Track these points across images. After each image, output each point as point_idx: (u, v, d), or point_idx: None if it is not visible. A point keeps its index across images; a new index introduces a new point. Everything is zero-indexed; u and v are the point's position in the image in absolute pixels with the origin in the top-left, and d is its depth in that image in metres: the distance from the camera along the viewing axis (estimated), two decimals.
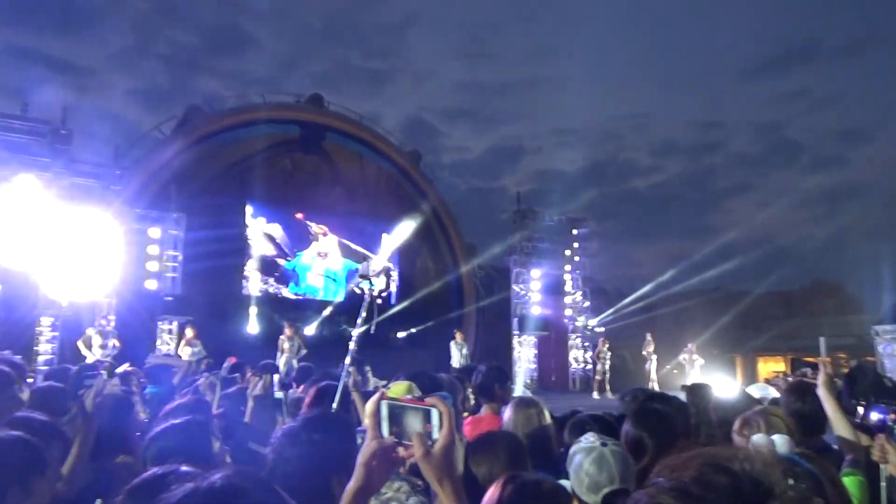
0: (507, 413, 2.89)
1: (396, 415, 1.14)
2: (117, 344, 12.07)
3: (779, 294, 25.64)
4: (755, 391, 4.06)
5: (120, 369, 5.07)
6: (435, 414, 1.11)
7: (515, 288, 18.91)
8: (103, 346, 11.62)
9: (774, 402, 3.45)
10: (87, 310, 13.08)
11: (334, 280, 17.87)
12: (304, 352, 12.03)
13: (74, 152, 13.70)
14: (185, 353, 11.53)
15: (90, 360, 10.58)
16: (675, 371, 16.93)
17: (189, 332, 11.93)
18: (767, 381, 11.12)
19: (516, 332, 18.60)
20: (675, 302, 21.37)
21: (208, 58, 61.42)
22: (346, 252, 17.95)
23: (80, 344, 11.40)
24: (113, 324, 13.20)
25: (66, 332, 12.73)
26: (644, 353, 16.32)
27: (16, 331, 12.24)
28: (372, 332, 4.39)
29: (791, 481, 0.64)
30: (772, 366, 21.23)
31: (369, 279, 4.40)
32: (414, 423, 1.12)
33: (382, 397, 1.16)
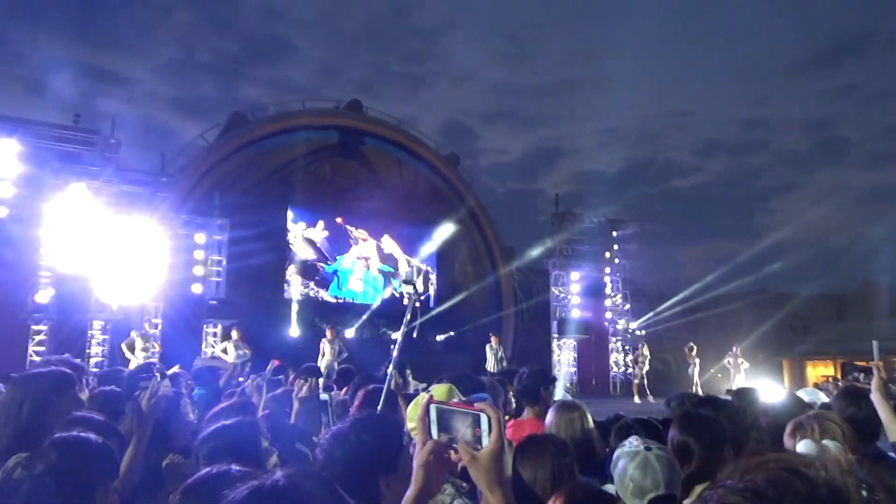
0: (550, 416, 2.87)
1: (445, 419, 1.14)
2: (157, 347, 12.37)
3: (828, 296, 24.91)
4: (805, 396, 3.94)
5: (170, 371, 5.19)
6: (484, 419, 1.11)
7: (554, 290, 18.79)
8: (145, 350, 11.88)
9: (825, 407, 3.34)
10: (136, 313, 13.44)
11: (373, 284, 18.01)
12: (344, 354, 12.13)
13: (123, 161, 14.18)
14: (231, 355, 11.74)
15: (133, 363, 10.86)
16: (719, 375, 16.56)
17: (234, 335, 12.12)
18: (817, 386, 10.80)
19: (555, 335, 18.47)
20: (719, 305, 20.95)
21: (250, 66, 62.76)
22: (385, 256, 18.09)
23: (123, 347, 11.70)
24: (160, 327, 13.54)
25: (116, 336, 13.09)
26: (687, 357, 15.98)
27: (71, 335, 12.65)
28: (414, 335, 4.39)
29: (865, 492, 0.64)
30: (821, 370, 20.68)
31: (413, 284, 4.37)
32: (463, 427, 1.12)
33: (431, 401, 1.16)
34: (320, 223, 17.45)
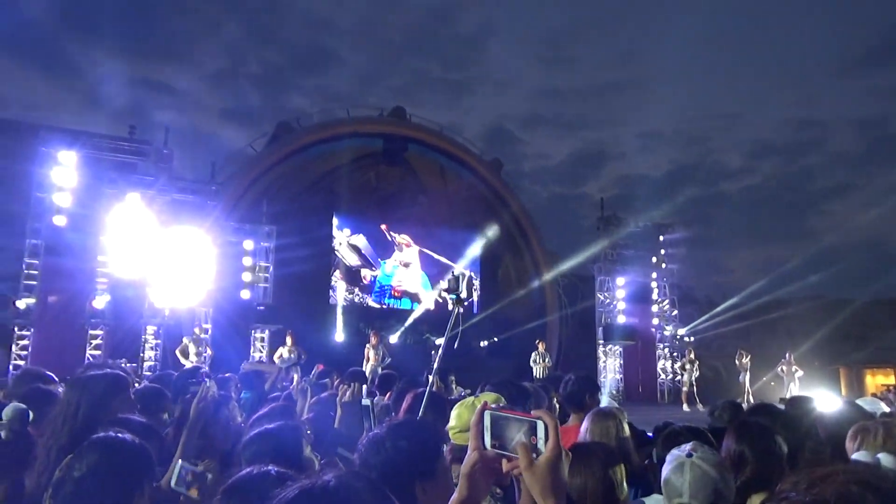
0: (585, 424, 2.82)
1: (499, 426, 1.13)
2: (210, 352, 12.62)
3: (887, 302, 23.88)
4: (865, 405, 3.76)
5: (221, 376, 5.28)
6: (541, 426, 1.09)
7: (600, 296, 18.54)
8: (198, 354, 12.15)
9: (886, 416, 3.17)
10: (187, 319, 13.77)
11: (413, 290, 18.20)
12: (388, 360, 12.18)
13: (175, 170, 14.72)
14: (281, 359, 11.97)
15: (187, 367, 11.14)
16: (772, 384, 16.01)
17: (289, 340, 12.33)
18: (876, 396, 10.33)
19: (601, 342, 18.21)
20: (771, 310, 20.32)
21: (295, 76, 63.99)
22: (427, 262, 18.20)
23: (178, 353, 12.00)
24: (210, 332, 13.78)
25: (168, 340, 13.46)
26: (738, 364, 15.52)
27: (125, 339, 13.12)
28: (455, 346, 4.40)
29: None
30: (880, 379, 19.91)
31: (456, 292, 4.24)
32: (518, 435, 1.11)
33: (486, 407, 1.15)
34: (361, 236, 17.66)
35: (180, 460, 2.25)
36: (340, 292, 17.28)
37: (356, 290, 17.50)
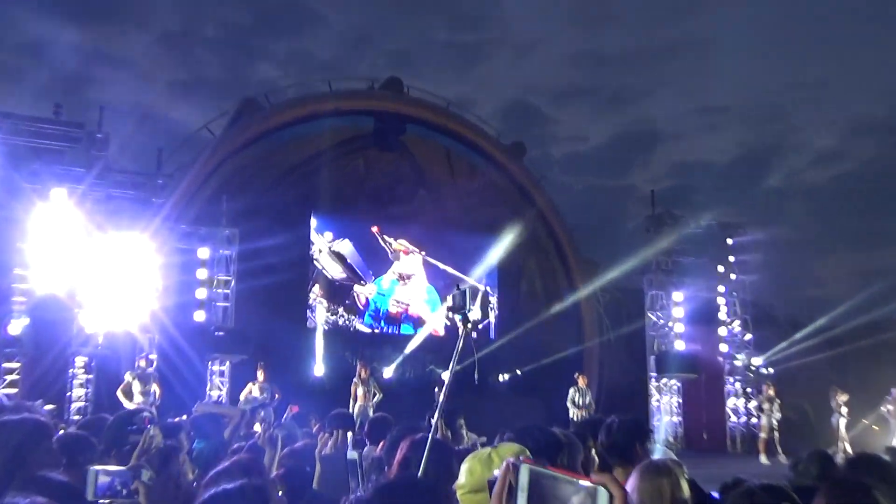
0: (632, 482, 2.81)
1: (542, 488, 1.09)
2: (158, 390, 12.61)
3: None
4: None
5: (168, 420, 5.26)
6: (604, 496, 1.06)
7: (651, 316, 18.52)
8: (145, 394, 12.17)
9: None
10: (126, 347, 13.86)
11: (421, 310, 18.34)
12: (378, 397, 12.23)
13: (112, 159, 14.68)
14: (248, 399, 12.24)
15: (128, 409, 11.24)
16: (875, 427, 15.87)
17: (260, 375, 12.40)
18: None
19: (653, 375, 18.17)
20: (874, 334, 20.10)
21: (264, 40, 64.03)
22: (434, 273, 18.30)
23: (119, 394, 12.01)
24: (155, 364, 13.75)
25: (102, 376, 13.59)
26: (832, 403, 15.41)
27: (49, 373, 13.02)
28: (475, 376, 4.49)
29: None
30: None
31: (464, 312, 4.33)
32: (567, 502, 1.06)
33: (524, 461, 1.13)
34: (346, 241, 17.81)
35: None
36: (321, 313, 17.35)
37: (340, 309, 17.58)
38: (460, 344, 3.96)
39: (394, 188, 18.39)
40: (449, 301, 4.62)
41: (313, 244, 17.43)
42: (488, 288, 18.83)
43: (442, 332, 17.57)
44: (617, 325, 19.32)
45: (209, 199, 15.92)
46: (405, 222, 18.21)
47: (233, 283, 15.25)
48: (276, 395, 12.59)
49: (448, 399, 4.00)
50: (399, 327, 18.17)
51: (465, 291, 4.15)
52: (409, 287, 18.21)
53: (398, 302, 18.13)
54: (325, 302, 17.45)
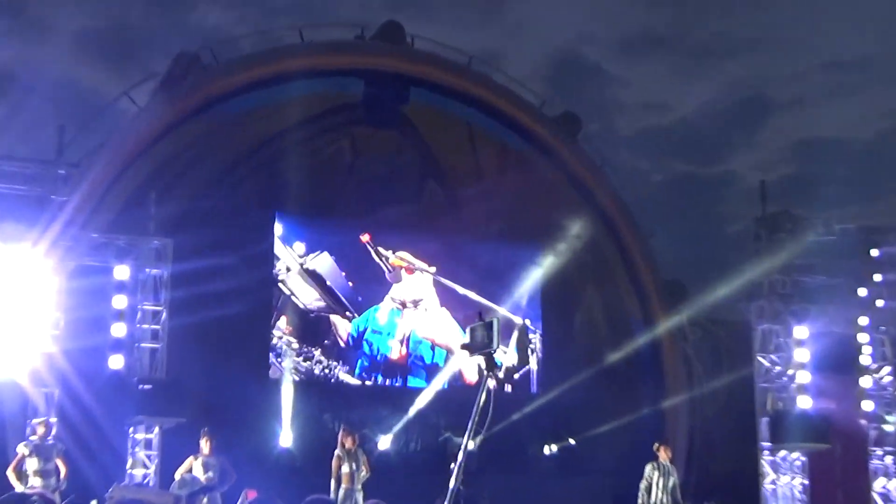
0: None
1: None
2: (63, 467, 12.31)
3: None
4: None
5: None
6: None
7: (763, 361, 18.11)
8: (44, 473, 11.86)
9: None
10: (13, 407, 13.76)
11: (429, 351, 18.19)
12: (364, 474, 12.14)
13: None
14: (184, 480, 12.11)
15: (18, 492, 11.13)
16: None
17: (205, 446, 12.30)
18: None
19: (767, 445, 17.74)
20: None
21: None
22: (449, 300, 18.18)
23: (10, 473, 11.79)
24: (55, 431, 13.31)
25: None
26: None
27: None
28: (511, 451, 4.41)
29: None
30: None
31: (489, 352, 4.47)
32: None
33: None
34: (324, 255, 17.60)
35: None
36: (290, 358, 17.22)
37: (317, 352, 17.50)
38: (482, 397, 4.15)
39: (392, 180, 18.39)
40: (466, 336, 4.86)
41: (278, 260, 17.35)
42: (528, 322, 18.76)
43: (474, 379, 17.63)
44: (713, 374, 19.05)
45: (131, 198, 15.87)
46: (408, 229, 18.24)
47: (164, 315, 15.11)
48: (233, 477, 12.31)
49: (468, 480, 4.01)
50: (404, 378, 18.10)
51: (490, 324, 4.33)
52: (414, 318, 18.16)
53: (399, 341, 18.03)
54: (294, 342, 17.35)
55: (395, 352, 17.96)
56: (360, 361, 17.79)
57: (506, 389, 5.90)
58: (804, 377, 18.05)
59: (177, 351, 15.05)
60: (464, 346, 4.87)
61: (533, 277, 18.49)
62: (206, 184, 16.72)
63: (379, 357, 17.90)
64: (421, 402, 17.12)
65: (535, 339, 18.83)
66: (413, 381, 17.96)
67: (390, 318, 17.94)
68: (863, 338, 18.73)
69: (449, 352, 18.19)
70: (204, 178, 16.75)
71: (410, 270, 18.01)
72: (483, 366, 4.47)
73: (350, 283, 17.82)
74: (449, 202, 18.67)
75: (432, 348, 18.25)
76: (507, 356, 17.09)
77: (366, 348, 17.82)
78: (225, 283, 15.56)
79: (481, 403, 4.16)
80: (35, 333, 13.68)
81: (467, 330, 4.70)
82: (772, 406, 17.96)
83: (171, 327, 15.03)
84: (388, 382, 17.93)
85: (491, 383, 4.34)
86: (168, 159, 16.51)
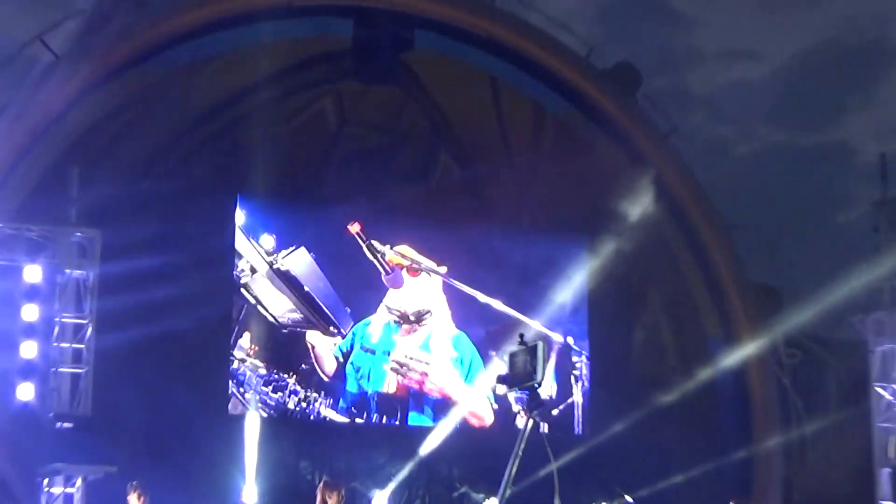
0: None
1: None
2: None
3: None
4: None
5: None
6: None
7: (882, 393, 17.92)
8: None
9: None
10: None
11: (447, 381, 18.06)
12: None
13: None
14: None
15: None
16: None
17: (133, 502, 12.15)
18: None
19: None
20: None
21: None
22: (465, 311, 18.00)
23: None
24: None
25: None
26: None
27: None
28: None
29: None
30: None
31: (530, 386, 4.76)
32: None
33: None
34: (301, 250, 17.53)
35: None
36: (255, 387, 17.01)
37: (291, 380, 17.28)
38: (521, 446, 4.38)
39: (391, 153, 18.36)
40: (499, 366, 4.81)
41: (241, 258, 17.14)
42: (570, 340, 18.58)
43: (487, 421, 17.64)
44: (817, 410, 18.78)
45: (45, 177, 15.73)
46: (412, 216, 18.17)
47: (89, 331, 14.93)
48: None
49: None
50: (404, 415, 17.87)
51: (534, 349, 4.58)
52: (418, 334, 17.93)
53: (403, 365, 17.80)
54: (262, 366, 17.14)
55: (392, 380, 17.73)
56: (346, 392, 17.61)
57: (541, 429, 5.80)
58: None
59: (106, 378, 14.92)
60: (501, 380, 5.00)
61: (577, 282, 18.23)
62: (145, 159, 16.67)
63: (371, 387, 17.68)
64: (427, 446, 16.87)
65: (581, 362, 18.62)
66: (416, 419, 17.80)
67: (385, 335, 17.75)
68: None
69: (447, 398, 18.03)
70: (143, 152, 16.65)
71: (414, 272, 17.72)
72: (521, 404, 4.26)
73: (334, 289, 17.58)
74: (466, 181, 18.64)
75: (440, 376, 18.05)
76: (544, 388, 17.02)
77: (352, 375, 17.60)
78: (170, 289, 15.42)
79: (520, 452, 4.39)
80: None
81: (506, 356, 4.92)
82: (895, 453, 17.68)
83: (99, 347, 14.86)
84: (383, 420, 17.70)
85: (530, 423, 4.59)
86: (95, 126, 16.23)
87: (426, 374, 17.84)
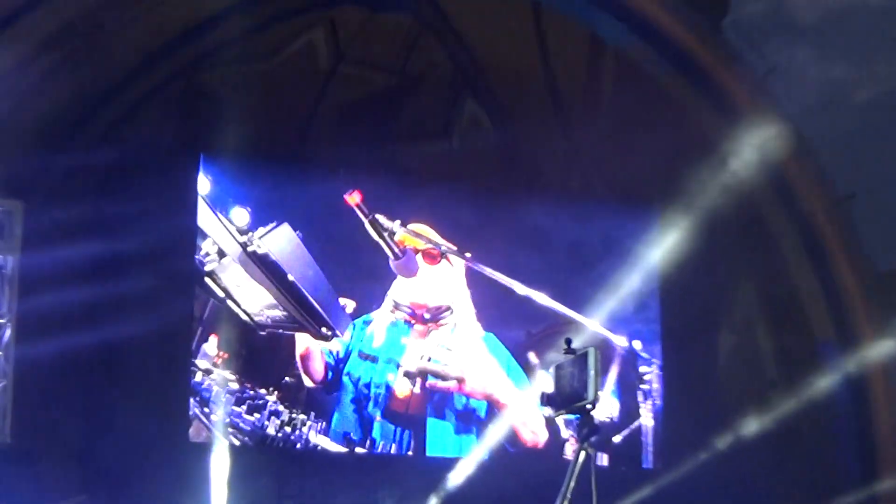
0: None
1: None
2: None
3: None
4: None
5: None
6: None
7: None
8: None
9: None
10: None
11: (461, 397, 17.90)
12: None
13: None
14: None
15: None
16: None
17: None
18: None
19: None
20: None
21: None
22: (498, 307, 17.81)
23: None
24: None
25: None
26: None
27: None
28: None
29: None
30: None
31: (583, 408, 4.85)
32: None
33: None
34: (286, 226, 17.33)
35: None
36: (224, 406, 16.79)
37: (272, 397, 17.09)
38: (571, 484, 4.57)
39: (400, 100, 18.26)
40: (543, 380, 5.52)
41: (205, 238, 16.87)
42: (637, 344, 18.39)
43: (542, 439, 17.49)
44: None
45: None
46: (428, 184, 17.96)
47: (8, 333, 15.01)
48: None
49: None
50: (420, 441, 17.62)
51: (583, 358, 4.72)
52: (437, 339, 17.71)
53: (424, 374, 17.65)
54: (233, 379, 17.00)
55: (402, 395, 17.51)
56: (342, 411, 17.40)
57: (598, 461, 5.77)
58: None
59: (31, 395, 15.08)
60: (546, 400, 5.16)
61: (646, 270, 17.88)
62: (78, 113, 16.54)
63: (373, 403, 17.48)
64: (451, 482, 16.70)
65: (651, 373, 18.45)
66: (435, 447, 17.56)
67: (391, 339, 17.54)
68: None
69: (495, 403, 17.83)
70: (75, 104, 16.52)
71: (432, 257, 17.37)
72: (572, 430, 4.24)
73: (328, 278, 17.32)
74: (500, 139, 18.47)
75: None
76: (607, 407, 17.69)
77: (348, 389, 17.43)
78: (113, 281, 15.55)
79: (569, 495, 4.51)
80: None
81: (551, 369, 5.03)
82: None
83: (21, 355, 14.93)
84: (391, 448, 17.44)
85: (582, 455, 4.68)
86: (13, 67, 15.84)
87: (463, 380, 17.63)
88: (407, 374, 17.48)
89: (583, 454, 4.64)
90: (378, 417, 17.46)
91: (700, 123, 18.52)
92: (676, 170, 17.56)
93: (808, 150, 18.80)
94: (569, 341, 5.44)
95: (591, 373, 4.57)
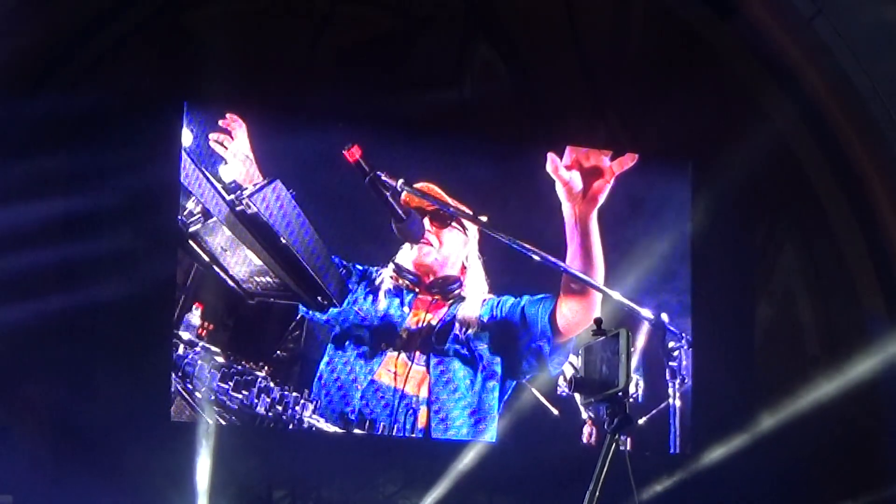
0: None
1: None
2: None
3: None
4: None
5: None
6: None
7: None
8: None
9: None
10: None
11: (479, 371, 17.56)
12: None
13: None
14: None
15: None
16: None
17: None
18: None
19: None
20: None
21: None
22: (513, 277, 17.67)
23: None
24: None
25: None
26: None
27: None
28: None
29: None
30: None
31: (618, 396, 4.95)
32: None
33: None
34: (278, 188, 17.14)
35: None
36: (208, 385, 16.62)
37: (262, 372, 16.90)
38: (599, 480, 4.75)
39: (405, 44, 18.11)
40: (567, 367, 7.41)
41: (189, 196, 16.72)
42: (665, 317, 17.79)
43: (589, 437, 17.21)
44: None
45: None
46: (437, 139, 17.94)
47: None
48: None
49: None
50: (425, 419, 17.34)
51: (615, 340, 4.75)
52: (444, 312, 17.54)
53: (419, 353, 17.53)
54: (219, 353, 16.82)
55: (402, 370, 17.29)
56: (338, 387, 17.25)
57: (622, 447, 5.66)
58: None
59: None
60: (576, 385, 5.28)
61: (676, 233, 18.06)
62: (45, 56, 16.47)
63: (371, 379, 17.30)
64: (458, 468, 16.70)
65: (680, 349, 17.86)
66: (441, 428, 17.33)
67: (393, 307, 17.34)
68: None
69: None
70: (42, 38, 16.33)
71: (440, 221, 17.26)
72: (604, 416, 4.86)
73: (323, 241, 17.17)
74: (517, 88, 18.22)
75: (473, 366, 17.59)
76: (628, 392, 16.99)
77: (346, 362, 17.27)
78: (86, 244, 15.52)
79: (600, 481, 4.64)
80: None
81: (580, 350, 5.11)
82: None
83: None
84: (393, 430, 17.21)
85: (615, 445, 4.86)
86: None
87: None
88: (409, 347, 17.40)
89: (614, 445, 4.71)
90: (378, 395, 17.32)
91: (737, 73, 18.51)
92: (711, 124, 17.68)
93: (858, 101, 18.55)
94: (599, 321, 5.32)
95: (623, 357, 4.53)
